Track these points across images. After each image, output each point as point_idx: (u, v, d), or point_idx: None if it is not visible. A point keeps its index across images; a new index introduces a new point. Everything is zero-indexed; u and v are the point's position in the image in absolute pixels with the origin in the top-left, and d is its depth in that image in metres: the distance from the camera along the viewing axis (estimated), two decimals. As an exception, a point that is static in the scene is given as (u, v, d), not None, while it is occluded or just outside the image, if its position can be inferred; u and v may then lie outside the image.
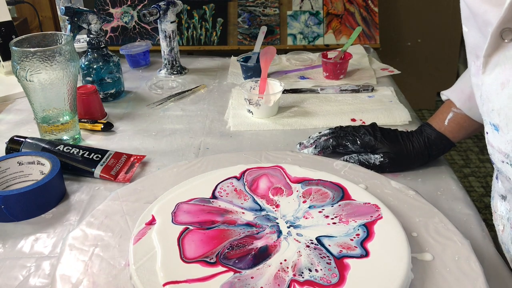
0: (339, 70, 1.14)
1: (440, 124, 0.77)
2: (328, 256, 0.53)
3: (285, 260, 0.53)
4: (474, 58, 0.55)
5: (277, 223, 0.59)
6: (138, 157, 0.81)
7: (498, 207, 0.60)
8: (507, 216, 0.59)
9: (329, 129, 0.83)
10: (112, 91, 1.06)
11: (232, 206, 0.62)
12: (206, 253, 0.54)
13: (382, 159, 0.75)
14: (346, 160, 0.77)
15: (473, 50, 0.55)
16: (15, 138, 0.81)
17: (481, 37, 0.52)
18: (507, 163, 0.51)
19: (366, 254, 0.54)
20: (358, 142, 0.78)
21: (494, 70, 0.50)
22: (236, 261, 0.53)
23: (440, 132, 0.76)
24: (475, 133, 0.78)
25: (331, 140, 0.80)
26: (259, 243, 0.56)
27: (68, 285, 0.52)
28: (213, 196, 0.64)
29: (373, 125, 0.80)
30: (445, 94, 0.79)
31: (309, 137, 0.84)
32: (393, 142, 0.76)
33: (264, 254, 0.54)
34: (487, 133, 0.54)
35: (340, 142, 0.79)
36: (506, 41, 0.47)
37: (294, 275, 0.51)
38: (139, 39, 1.72)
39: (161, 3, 1.14)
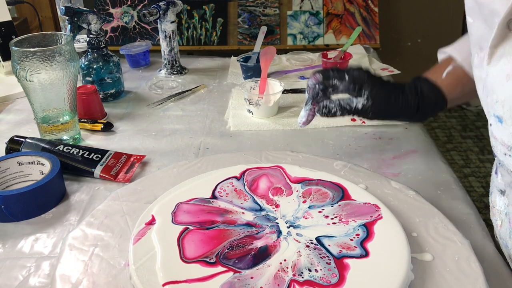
0: (339, 70, 1.14)
1: (437, 76, 0.71)
2: (328, 256, 0.53)
3: (285, 260, 0.53)
4: (478, 50, 0.54)
5: (277, 223, 0.59)
6: (138, 157, 0.81)
7: (497, 202, 0.60)
8: (506, 211, 0.58)
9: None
10: (112, 91, 1.06)
11: (232, 206, 0.62)
12: (206, 253, 0.54)
13: (365, 102, 0.67)
14: (325, 106, 0.70)
15: (477, 42, 0.54)
16: (15, 138, 0.81)
17: (486, 28, 0.51)
18: (510, 155, 0.51)
19: (366, 254, 0.54)
20: (346, 77, 0.68)
21: (500, 61, 0.49)
22: (236, 261, 0.53)
23: (435, 84, 0.70)
24: (469, 98, 0.73)
25: (317, 86, 0.70)
26: (259, 243, 0.56)
27: (68, 285, 0.52)
28: (213, 196, 0.64)
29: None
30: (444, 51, 0.75)
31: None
32: (383, 82, 0.69)
33: (264, 254, 0.54)
34: (490, 125, 0.53)
35: (327, 83, 0.70)
36: None
37: (294, 275, 0.51)
38: (139, 39, 1.72)
39: (161, 3, 1.14)
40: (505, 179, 0.57)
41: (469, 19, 0.55)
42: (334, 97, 0.71)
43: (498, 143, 0.52)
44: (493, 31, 0.48)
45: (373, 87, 0.67)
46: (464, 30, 2.48)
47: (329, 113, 0.69)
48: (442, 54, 0.76)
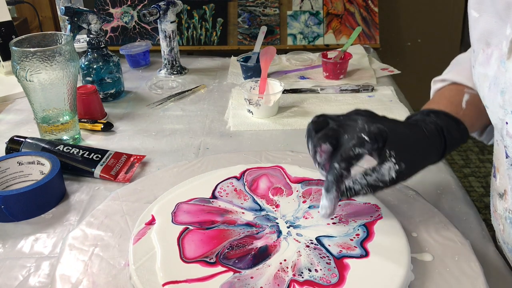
0: (339, 70, 1.14)
1: (456, 108, 0.59)
2: (328, 256, 0.53)
3: (284, 260, 0.53)
4: (484, 46, 0.51)
5: (277, 223, 0.59)
6: (138, 157, 0.81)
7: (498, 206, 0.59)
8: (505, 215, 0.58)
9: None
10: (112, 91, 1.06)
11: (232, 206, 0.62)
12: (206, 253, 0.54)
13: (397, 167, 0.52)
14: (350, 189, 0.53)
15: (483, 37, 0.51)
16: (15, 138, 0.81)
17: (497, 22, 0.49)
18: None
19: (366, 254, 0.54)
20: (365, 137, 0.52)
21: None
22: (236, 261, 0.53)
23: (460, 121, 0.59)
24: (486, 125, 0.65)
25: (341, 172, 0.52)
26: (259, 243, 0.56)
27: (68, 285, 0.52)
28: (213, 196, 0.64)
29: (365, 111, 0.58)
30: (444, 79, 0.67)
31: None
32: (401, 130, 0.54)
33: (264, 254, 0.54)
34: (506, 123, 0.49)
35: (350, 161, 0.52)
36: None
37: (294, 275, 0.51)
38: (139, 39, 1.72)
39: (161, 3, 1.14)
40: None
41: (474, 14, 0.52)
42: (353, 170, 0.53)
43: None
44: (509, 24, 0.46)
45: (398, 144, 0.52)
46: (464, 29, 2.48)
47: (356, 196, 0.54)
48: (439, 83, 0.69)
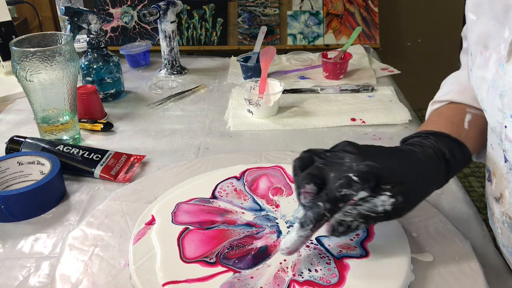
0: (339, 70, 1.14)
1: (459, 129, 0.57)
2: (327, 256, 0.53)
3: (284, 260, 0.53)
4: (482, 49, 0.50)
5: (277, 223, 0.59)
6: (138, 157, 0.81)
7: (494, 210, 0.59)
8: (502, 219, 0.57)
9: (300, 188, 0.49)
10: (112, 91, 1.06)
11: (232, 206, 0.62)
12: (206, 253, 0.54)
13: (394, 200, 0.47)
14: (340, 223, 0.48)
15: (481, 40, 0.50)
16: (15, 138, 0.81)
17: (495, 24, 0.48)
18: None
19: (366, 254, 0.54)
20: (353, 177, 0.46)
21: None
22: (236, 261, 0.53)
23: (463, 143, 0.55)
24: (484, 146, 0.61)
25: (321, 204, 0.47)
26: (258, 243, 0.55)
27: (68, 285, 0.52)
28: (213, 196, 0.64)
29: (348, 143, 0.51)
30: (442, 100, 0.65)
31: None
32: (390, 154, 0.51)
33: (263, 254, 0.54)
34: (505, 126, 0.47)
35: (337, 206, 0.47)
36: None
37: (294, 275, 0.51)
38: (139, 39, 1.72)
39: (161, 3, 1.14)
40: (511, 186, 0.53)
41: (471, 16, 0.52)
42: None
43: None
44: (510, 27, 0.45)
45: (393, 180, 0.48)
46: (464, 30, 2.47)
47: (349, 231, 0.49)
48: (437, 104, 0.66)
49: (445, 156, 0.53)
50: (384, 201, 0.47)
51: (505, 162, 0.52)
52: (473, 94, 0.59)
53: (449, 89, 0.65)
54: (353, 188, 0.46)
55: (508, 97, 0.47)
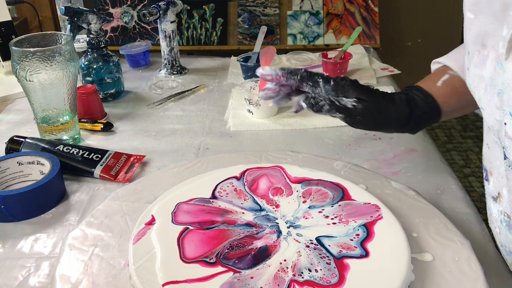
0: (339, 70, 1.14)
1: (431, 84, 0.67)
2: (328, 256, 0.53)
3: (284, 260, 0.53)
4: (480, 47, 0.52)
5: (277, 223, 0.59)
6: (138, 157, 0.81)
7: (492, 209, 0.59)
8: (500, 218, 0.57)
9: None
10: (112, 91, 1.06)
11: (232, 206, 0.62)
12: (206, 253, 0.54)
13: (355, 103, 0.64)
14: (313, 97, 0.66)
15: (479, 39, 0.51)
16: (15, 138, 0.81)
17: (493, 23, 0.49)
18: None
19: (366, 254, 0.54)
20: (331, 82, 0.65)
21: None
22: (236, 261, 0.53)
23: (428, 93, 0.67)
24: (465, 112, 0.70)
25: (302, 69, 0.67)
26: (259, 243, 0.55)
27: (68, 285, 0.52)
28: (213, 196, 0.64)
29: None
30: (438, 62, 0.72)
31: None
32: (370, 91, 0.66)
33: (263, 254, 0.54)
34: (505, 124, 0.49)
35: (311, 76, 0.66)
36: None
37: (294, 275, 0.51)
38: (139, 39, 1.72)
39: (161, 3, 1.14)
40: (510, 183, 0.54)
41: (469, 15, 0.53)
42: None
43: None
44: (510, 24, 0.46)
45: (361, 92, 0.64)
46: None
47: (315, 105, 0.65)
48: (435, 64, 0.74)
49: (409, 101, 0.66)
50: (349, 101, 0.64)
51: (505, 159, 0.52)
52: (461, 61, 0.67)
53: (449, 54, 0.71)
54: (326, 86, 0.65)
55: (507, 94, 0.48)
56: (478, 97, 0.54)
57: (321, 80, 0.66)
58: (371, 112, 0.65)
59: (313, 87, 0.66)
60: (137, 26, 1.73)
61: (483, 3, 0.50)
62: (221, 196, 0.64)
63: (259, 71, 0.69)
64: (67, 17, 1.00)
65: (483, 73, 0.52)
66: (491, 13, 0.49)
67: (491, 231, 0.64)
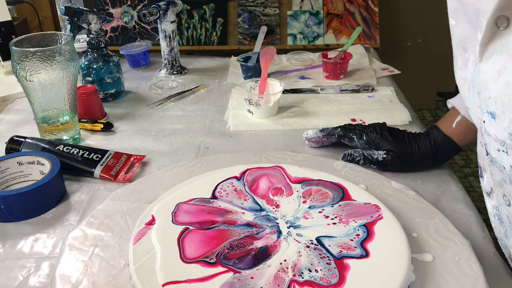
0: (339, 70, 1.14)
1: (448, 127, 0.77)
2: (328, 257, 0.53)
3: (285, 260, 0.53)
4: (461, 51, 0.56)
5: (277, 223, 0.59)
6: (138, 157, 0.81)
7: (488, 205, 0.61)
8: (493, 212, 0.59)
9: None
10: (112, 91, 1.06)
11: (232, 206, 0.62)
12: (206, 253, 0.54)
13: (385, 155, 0.75)
14: (350, 154, 0.78)
15: (461, 43, 0.56)
16: (15, 138, 0.81)
17: (470, 28, 0.53)
18: (503, 151, 0.52)
19: (366, 254, 0.54)
20: (364, 138, 0.78)
21: (491, 58, 0.50)
22: (236, 261, 0.53)
23: (447, 135, 0.76)
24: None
25: (339, 129, 0.81)
26: (259, 243, 0.55)
27: (68, 285, 0.52)
28: (213, 196, 0.64)
29: (383, 124, 0.81)
30: (450, 102, 0.80)
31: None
32: (398, 141, 0.76)
33: (264, 254, 0.54)
34: (483, 122, 0.54)
35: (346, 134, 0.80)
36: (501, 28, 0.48)
37: (294, 275, 0.51)
38: (139, 39, 1.72)
39: (161, 3, 1.14)
40: (494, 177, 0.57)
41: (451, 21, 0.57)
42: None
43: (491, 139, 0.53)
44: (482, 29, 0.49)
45: (391, 145, 0.76)
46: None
47: (352, 161, 0.78)
48: (449, 104, 0.80)
49: (431, 144, 0.76)
50: (379, 153, 0.76)
51: (487, 155, 0.55)
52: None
53: (458, 95, 0.77)
54: (359, 142, 0.80)
55: (483, 93, 0.52)
56: (464, 97, 0.58)
57: (355, 136, 0.79)
58: (400, 161, 0.76)
59: (350, 142, 0.81)
60: (137, 26, 1.73)
61: (460, 11, 0.54)
62: (221, 196, 0.64)
63: (304, 136, 0.85)
64: (67, 17, 1.00)
65: (466, 74, 0.56)
66: (468, 19, 0.53)
67: (491, 231, 0.64)
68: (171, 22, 1.16)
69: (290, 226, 0.58)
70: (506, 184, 0.54)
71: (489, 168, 0.56)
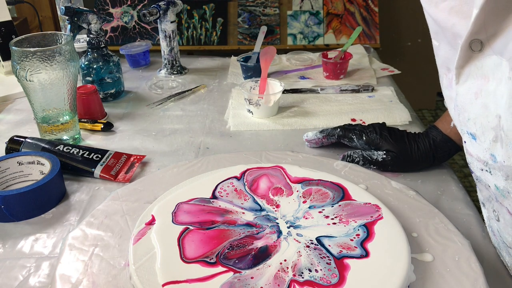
0: (339, 70, 1.14)
1: (446, 126, 0.76)
2: (328, 256, 0.53)
3: (285, 260, 0.53)
4: (446, 71, 0.56)
5: (277, 223, 0.59)
6: (138, 157, 0.81)
7: (483, 214, 0.62)
8: (488, 223, 0.60)
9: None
10: (112, 91, 1.06)
11: (232, 206, 0.62)
12: (206, 253, 0.54)
13: (385, 156, 0.76)
14: (350, 155, 0.78)
15: (444, 63, 0.56)
16: (15, 138, 0.81)
17: (451, 49, 0.53)
18: (486, 170, 0.52)
19: (366, 254, 0.54)
20: (364, 138, 0.78)
21: (467, 80, 0.51)
22: (236, 261, 0.53)
23: (445, 135, 0.76)
24: None
25: (338, 129, 0.82)
26: (259, 243, 0.55)
27: (68, 285, 0.52)
28: (213, 196, 0.64)
29: (382, 124, 0.81)
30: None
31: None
32: (397, 141, 0.77)
33: (264, 254, 0.54)
34: (465, 142, 0.55)
35: (346, 134, 0.81)
36: (475, 51, 0.49)
37: (294, 275, 0.51)
38: (139, 39, 1.72)
39: (161, 3, 1.14)
40: (483, 194, 0.58)
41: (434, 43, 0.57)
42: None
43: (473, 159, 0.54)
44: (457, 52, 0.50)
45: (390, 145, 0.76)
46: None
47: (352, 161, 0.78)
48: (446, 103, 0.81)
49: (431, 144, 0.76)
50: (379, 154, 0.76)
51: (472, 173, 0.57)
52: None
53: None
54: (359, 142, 0.80)
55: (462, 115, 0.53)
56: (452, 114, 0.59)
57: (354, 136, 0.80)
58: (400, 161, 0.76)
59: (349, 142, 0.81)
60: (137, 26, 1.73)
61: (440, 33, 0.55)
62: (221, 196, 0.64)
63: (304, 138, 0.86)
64: (67, 17, 1.00)
65: (451, 94, 0.56)
66: (447, 41, 0.54)
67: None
68: (171, 22, 1.16)
69: (290, 226, 0.58)
70: (494, 201, 0.55)
71: (477, 184, 0.58)
